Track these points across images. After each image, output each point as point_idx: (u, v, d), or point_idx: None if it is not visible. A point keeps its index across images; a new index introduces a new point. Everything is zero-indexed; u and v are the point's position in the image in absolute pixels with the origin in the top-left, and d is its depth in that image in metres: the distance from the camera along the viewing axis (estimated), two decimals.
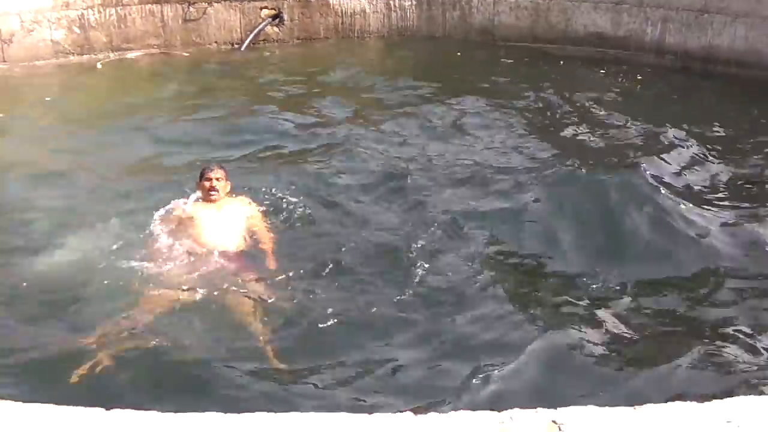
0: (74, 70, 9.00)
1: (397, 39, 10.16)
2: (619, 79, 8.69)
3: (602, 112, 7.56)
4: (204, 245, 4.71)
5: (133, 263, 4.51)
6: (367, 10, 10.08)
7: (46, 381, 3.52)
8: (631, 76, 8.75)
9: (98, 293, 4.32)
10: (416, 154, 6.57)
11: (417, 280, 4.42)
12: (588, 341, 3.62)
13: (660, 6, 9.01)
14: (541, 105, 7.86)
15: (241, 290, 4.37)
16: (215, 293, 4.31)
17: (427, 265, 4.51)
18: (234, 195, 5.17)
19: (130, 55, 9.41)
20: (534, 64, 9.30)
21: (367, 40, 10.20)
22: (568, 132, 7.07)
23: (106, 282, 4.37)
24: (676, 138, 6.65)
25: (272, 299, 4.33)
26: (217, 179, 4.97)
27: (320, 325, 4.00)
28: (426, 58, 9.77)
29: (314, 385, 3.50)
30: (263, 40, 10.00)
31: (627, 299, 4.12)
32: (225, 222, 4.86)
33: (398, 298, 4.26)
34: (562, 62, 9.23)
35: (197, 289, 4.33)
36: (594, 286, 4.25)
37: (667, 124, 6.95)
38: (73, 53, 9.22)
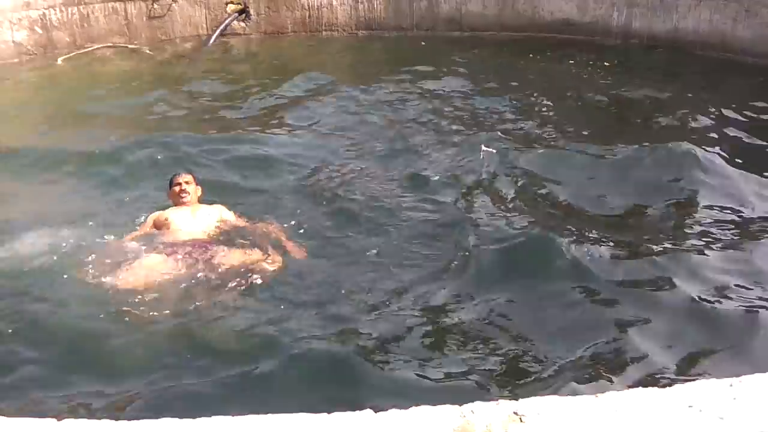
0: (37, 71, 8.84)
1: (365, 31, 10.11)
2: (587, 66, 8.66)
3: (565, 102, 7.53)
4: (180, 241, 4.63)
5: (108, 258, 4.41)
6: (334, 3, 10.00)
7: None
8: (599, 63, 8.77)
9: (69, 288, 4.21)
10: (378, 148, 6.48)
11: (392, 273, 4.40)
12: (548, 334, 3.64)
13: None
14: (507, 96, 7.73)
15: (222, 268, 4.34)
16: (192, 275, 4.28)
17: (402, 261, 4.50)
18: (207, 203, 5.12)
19: (94, 53, 9.25)
20: (501, 54, 9.29)
21: (335, 33, 10.14)
22: (529, 123, 7.01)
23: (76, 278, 4.26)
24: (638, 124, 6.73)
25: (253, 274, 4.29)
26: (187, 183, 5.02)
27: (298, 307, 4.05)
28: (392, 49, 9.72)
29: (283, 367, 3.45)
30: (230, 34, 9.90)
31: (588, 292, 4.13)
32: (200, 223, 4.80)
33: (366, 287, 4.25)
34: (530, 54, 9.16)
35: (174, 275, 4.29)
36: (562, 275, 4.23)
37: (632, 108, 7.01)
38: (35, 54, 9.05)
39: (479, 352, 3.45)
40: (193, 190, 5.01)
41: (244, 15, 9.90)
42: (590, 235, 4.71)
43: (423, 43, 9.75)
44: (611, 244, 4.59)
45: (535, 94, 7.65)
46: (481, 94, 7.88)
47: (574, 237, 4.60)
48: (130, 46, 9.43)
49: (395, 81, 8.31)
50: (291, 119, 7.32)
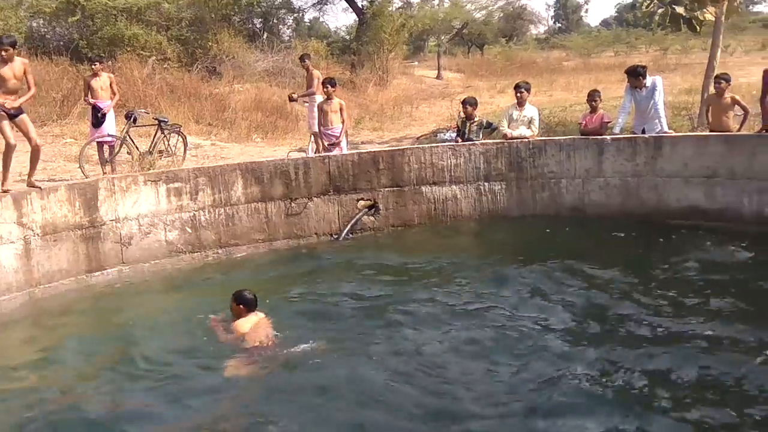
0: (186, 269, 9.52)
1: (489, 221, 10.49)
2: (721, 244, 8.63)
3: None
4: None
5: None
6: (459, 196, 10.49)
7: None
8: (732, 247, 8.65)
9: None
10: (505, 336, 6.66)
11: None
12: None
13: (753, 178, 9.08)
14: (638, 282, 7.82)
15: None
16: None
17: None
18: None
19: (237, 252, 9.95)
20: (628, 237, 9.33)
21: (459, 224, 10.54)
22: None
23: None
24: None
25: None
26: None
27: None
28: (516, 238, 9.95)
29: None
30: (360, 229, 10.42)
31: None
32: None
33: None
34: (661, 239, 9.22)
35: None
36: None
37: None
38: (184, 252, 9.76)
39: None
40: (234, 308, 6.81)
41: (373, 210, 10.46)
42: None
43: (547, 230, 9.95)
44: None
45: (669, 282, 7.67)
46: (610, 280, 7.94)
47: None
48: (272, 244, 10.11)
49: (519, 269, 8.51)
50: (410, 307, 7.54)
